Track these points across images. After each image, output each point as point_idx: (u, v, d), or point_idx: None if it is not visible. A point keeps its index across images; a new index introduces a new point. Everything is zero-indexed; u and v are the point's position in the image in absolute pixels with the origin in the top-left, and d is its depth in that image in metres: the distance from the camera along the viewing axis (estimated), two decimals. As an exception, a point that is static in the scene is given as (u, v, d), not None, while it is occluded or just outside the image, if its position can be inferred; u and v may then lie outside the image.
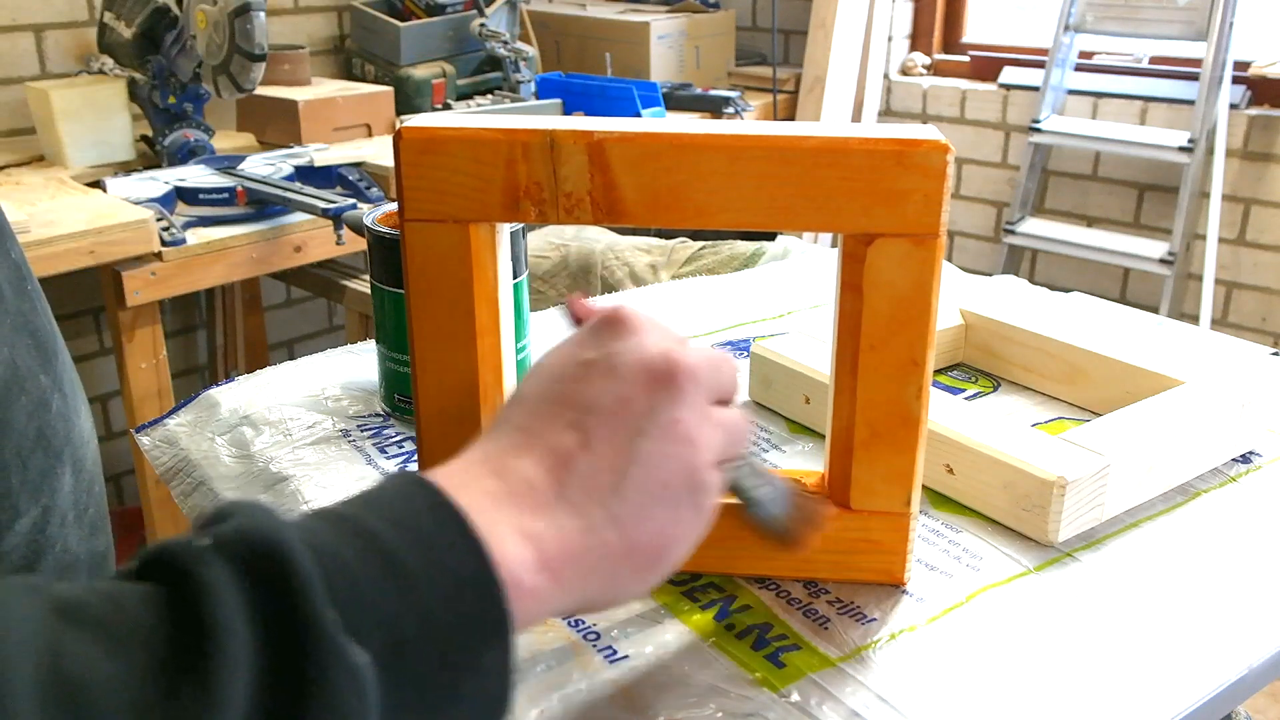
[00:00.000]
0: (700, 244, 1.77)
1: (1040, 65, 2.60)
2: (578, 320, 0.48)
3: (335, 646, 0.30)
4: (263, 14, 1.76)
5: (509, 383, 0.57)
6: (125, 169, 1.97)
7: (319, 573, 0.31)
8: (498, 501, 0.37)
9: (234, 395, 0.79)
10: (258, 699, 0.29)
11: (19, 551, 0.50)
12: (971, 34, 2.93)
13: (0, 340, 0.49)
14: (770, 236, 1.76)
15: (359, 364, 0.85)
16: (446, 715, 0.33)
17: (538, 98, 2.45)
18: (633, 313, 0.44)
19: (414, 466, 0.69)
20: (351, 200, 1.77)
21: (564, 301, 0.49)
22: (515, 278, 0.73)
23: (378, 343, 0.77)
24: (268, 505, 0.33)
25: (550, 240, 1.78)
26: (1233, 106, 2.38)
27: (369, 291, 0.78)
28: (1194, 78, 2.41)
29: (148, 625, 0.29)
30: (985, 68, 2.80)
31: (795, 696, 0.49)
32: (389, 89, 2.32)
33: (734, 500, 0.48)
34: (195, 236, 1.72)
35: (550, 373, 0.43)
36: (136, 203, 1.71)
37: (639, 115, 2.34)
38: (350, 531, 0.33)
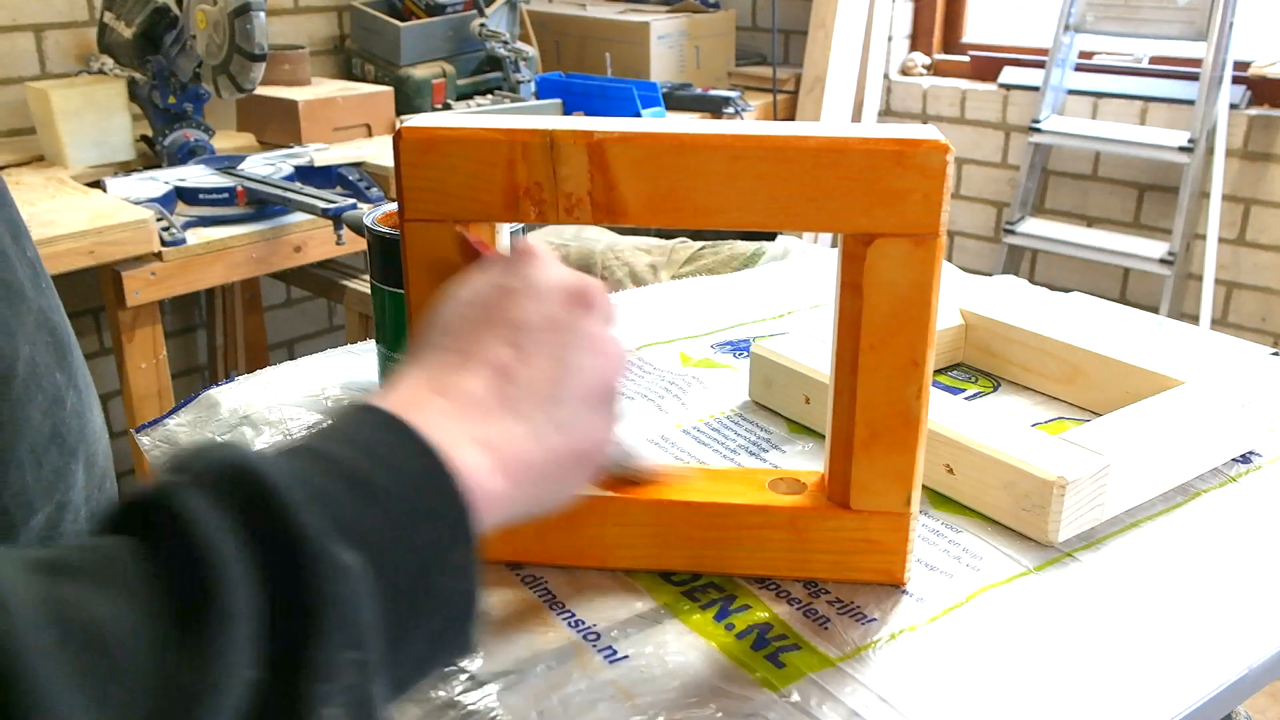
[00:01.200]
0: (700, 244, 1.77)
1: (1040, 65, 2.60)
2: (471, 254, 0.50)
3: (326, 550, 0.31)
4: (263, 14, 1.76)
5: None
6: (125, 169, 1.97)
7: (294, 487, 0.32)
8: (449, 417, 0.39)
9: (234, 395, 0.79)
10: (264, 607, 0.29)
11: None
12: (971, 34, 2.93)
13: (22, 338, 0.49)
14: (770, 236, 1.76)
15: (359, 364, 0.85)
16: (425, 614, 0.35)
17: (538, 98, 2.45)
18: (542, 249, 0.47)
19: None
20: (351, 200, 1.77)
21: (459, 234, 0.50)
22: (515, 278, 0.73)
23: (378, 343, 0.77)
24: (233, 443, 0.34)
25: (550, 240, 1.78)
26: (1233, 106, 2.38)
27: (369, 291, 0.78)
28: (1194, 78, 2.41)
29: (139, 564, 0.29)
30: (985, 68, 2.80)
31: (795, 696, 0.49)
32: (389, 89, 2.32)
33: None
34: (195, 236, 1.72)
35: (471, 300, 0.44)
36: (136, 203, 1.71)
37: (639, 115, 2.34)
38: (313, 458, 0.34)
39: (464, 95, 2.48)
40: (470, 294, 0.45)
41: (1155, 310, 2.17)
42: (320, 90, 2.25)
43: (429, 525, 0.35)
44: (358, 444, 0.36)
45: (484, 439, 0.39)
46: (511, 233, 0.56)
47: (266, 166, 1.93)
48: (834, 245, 0.59)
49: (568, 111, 2.41)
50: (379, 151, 2.04)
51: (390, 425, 0.37)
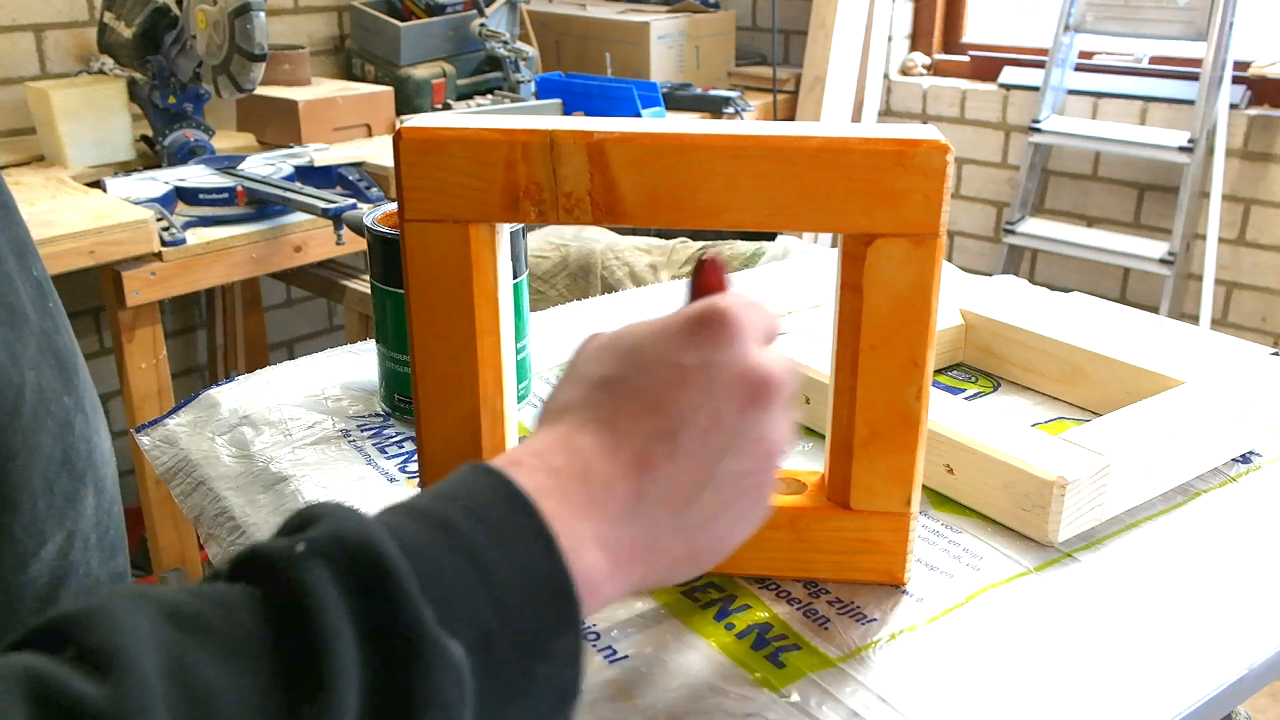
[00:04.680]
0: (700, 244, 1.77)
1: (1040, 65, 2.60)
2: (703, 287, 0.46)
3: (437, 643, 0.31)
4: (263, 14, 1.76)
5: (509, 383, 0.57)
6: (125, 169, 1.97)
7: (412, 571, 0.32)
8: (581, 510, 0.38)
9: (234, 395, 0.79)
10: (371, 700, 0.30)
11: (44, 578, 0.49)
12: (971, 34, 2.93)
13: (26, 363, 0.48)
14: (770, 236, 1.76)
15: (359, 364, 0.84)
16: (525, 700, 0.35)
17: (538, 98, 2.45)
18: (737, 314, 0.43)
19: (414, 467, 0.69)
20: (351, 200, 1.77)
21: (702, 257, 0.47)
22: (515, 278, 0.73)
23: (378, 343, 0.77)
24: (353, 506, 0.34)
25: (550, 240, 1.78)
26: (1233, 106, 2.38)
27: (369, 291, 0.78)
28: (1194, 78, 2.41)
29: (260, 633, 0.30)
30: (985, 68, 2.80)
31: (795, 696, 0.49)
32: (389, 89, 2.32)
33: None
34: (195, 236, 1.72)
35: (645, 365, 0.42)
36: (136, 203, 1.71)
37: (639, 115, 2.34)
38: (438, 528, 0.34)
39: (464, 95, 2.48)
40: (645, 357, 0.42)
41: (1155, 310, 2.17)
42: (320, 90, 2.25)
43: (539, 618, 0.35)
44: (487, 521, 0.35)
45: (607, 540, 0.38)
46: (512, 231, 0.56)
47: (266, 166, 1.93)
48: (834, 245, 0.60)
49: (568, 111, 2.41)
50: (379, 151, 2.04)
51: (522, 509, 0.36)
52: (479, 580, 0.34)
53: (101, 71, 2.08)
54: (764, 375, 0.42)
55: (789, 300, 0.99)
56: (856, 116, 2.83)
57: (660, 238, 1.82)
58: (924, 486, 0.64)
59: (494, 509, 0.36)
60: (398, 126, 0.51)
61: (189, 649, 0.28)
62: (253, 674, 0.29)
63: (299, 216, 1.80)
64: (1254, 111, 2.39)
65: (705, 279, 0.47)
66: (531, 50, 2.49)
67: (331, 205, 1.71)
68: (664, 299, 1.00)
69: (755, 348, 0.43)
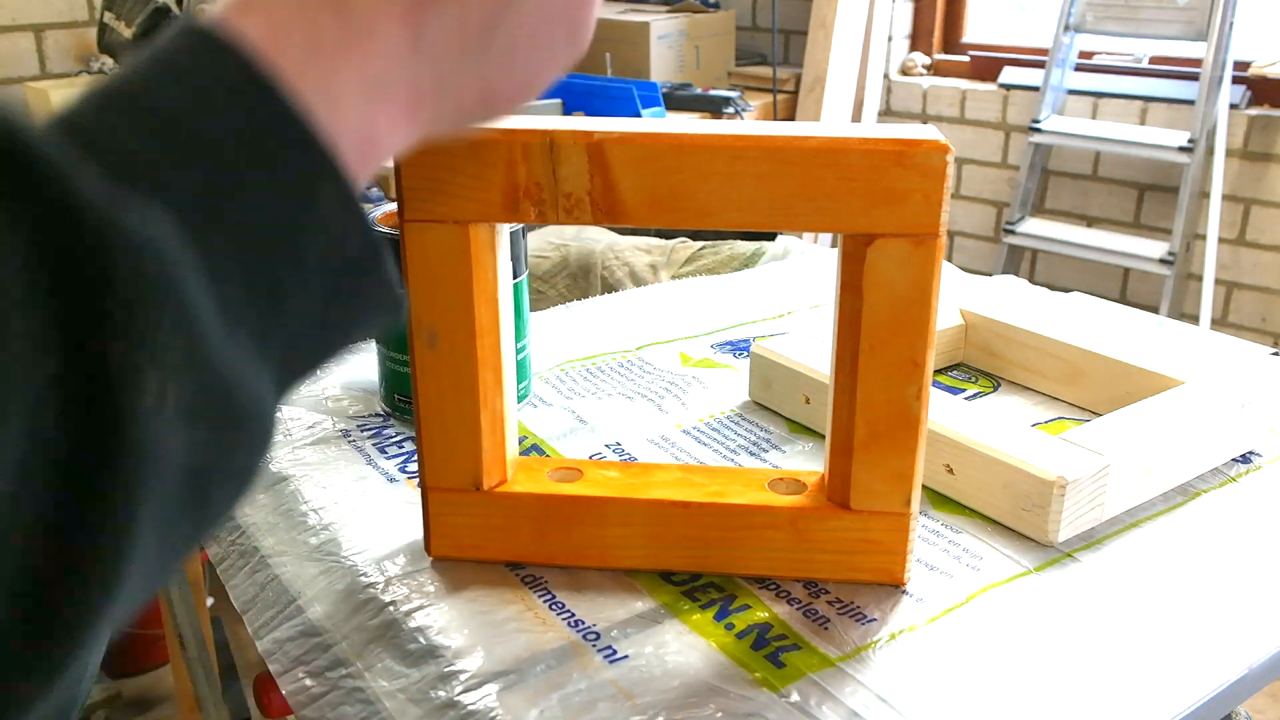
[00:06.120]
0: (700, 244, 1.77)
1: (1040, 65, 2.61)
2: None
3: (114, 223, 0.23)
4: (263, 14, 1.76)
5: (509, 383, 0.57)
6: (125, 169, 1.97)
7: (70, 144, 0.24)
8: (337, 56, 0.29)
9: (234, 395, 0.79)
10: (44, 304, 0.22)
11: None
12: (971, 34, 2.94)
13: None
14: (770, 236, 1.76)
15: (359, 364, 0.84)
16: (296, 276, 0.28)
17: (538, 97, 2.45)
18: None
19: (414, 467, 0.69)
20: (351, 200, 1.77)
21: None
22: (515, 278, 0.73)
23: (377, 342, 0.77)
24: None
25: (550, 240, 1.78)
26: (1233, 106, 2.38)
27: (369, 291, 0.77)
28: (1194, 78, 2.41)
29: None
30: (985, 68, 2.80)
31: (795, 696, 0.49)
32: (389, 89, 2.32)
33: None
34: (195, 236, 1.72)
35: None
36: (136, 203, 1.70)
37: (639, 115, 2.34)
38: (116, 100, 0.27)
39: (464, 95, 2.48)
40: None
41: (1155, 310, 2.17)
42: (320, 90, 2.25)
43: (275, 179, 0.27)
44: (186, 76, 0.28)
45: (378, 88, 0.30)
46: (512, 231, 0.56)
47: (266, 166, 1.93)
48: (834, 245, 0.60)
49: (568, 111, 2.41)
50: (379, 151, 2.04)
51: (236, 64, 0.28)
52: (176, 152, 0.26)
53: (101, 72, 2.08)
54: None
55: (789, 300, 0.99)
56: (856, 116, 2.84)
57: (660, 238, 1.82)
58: (924, 486, 0.64)
59: (200, 65, 0.28)
60: (398, 126, 0.50)
61: None
62: None
63: (299, 216, 1.80)
64: (1254, 111, 2.39)
65: None
66: (531, 50, 2.49)
67: (331, 205, 1.70)
68: (664, 299, 1.00)
69: None
